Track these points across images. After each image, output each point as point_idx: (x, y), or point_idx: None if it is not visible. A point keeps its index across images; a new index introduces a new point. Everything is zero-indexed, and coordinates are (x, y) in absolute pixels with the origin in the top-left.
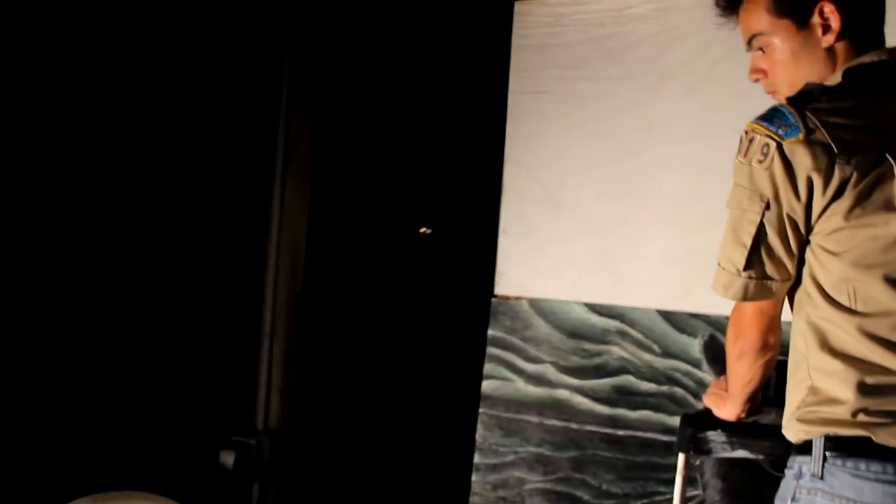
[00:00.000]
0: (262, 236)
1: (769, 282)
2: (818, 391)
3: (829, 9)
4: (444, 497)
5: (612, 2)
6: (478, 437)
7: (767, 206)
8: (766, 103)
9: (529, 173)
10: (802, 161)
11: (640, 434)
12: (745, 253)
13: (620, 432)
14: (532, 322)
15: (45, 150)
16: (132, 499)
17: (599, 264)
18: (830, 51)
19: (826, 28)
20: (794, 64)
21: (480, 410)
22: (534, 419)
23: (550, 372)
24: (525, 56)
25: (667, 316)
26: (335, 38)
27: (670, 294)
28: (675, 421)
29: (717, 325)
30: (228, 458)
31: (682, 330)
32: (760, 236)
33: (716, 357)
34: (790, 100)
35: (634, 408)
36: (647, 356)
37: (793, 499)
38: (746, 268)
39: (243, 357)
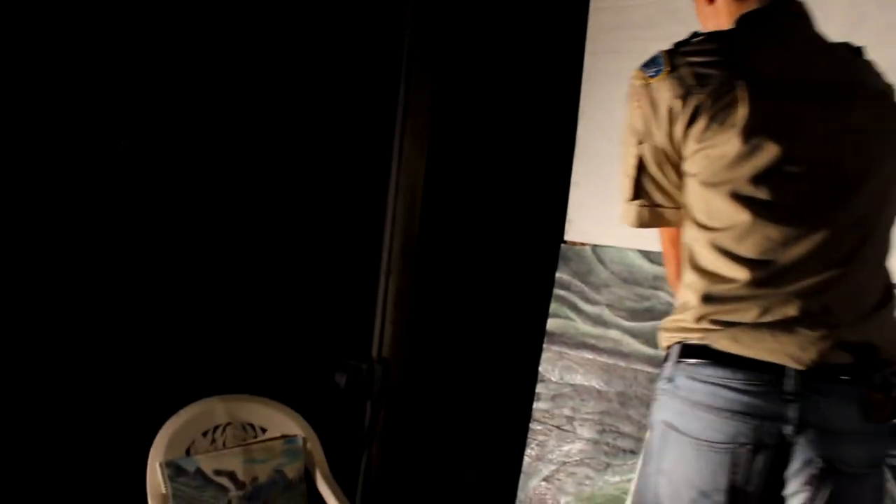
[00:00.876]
0: (383, 184)
1: (660, 209)
2: (681, 302)
3: None
4: (509, 421)
5: None
6: (541, 369)
7: (640, 141)
8: None
9: (602, 131)
10: (663, 94)
11: None
12: (632, 184)
13: None
14: (593, 267)
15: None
16: (258, 403)
17: None
18: (714, 6)
19: None
20: (702, 18)
21: (544, 345)
22: (589, 356)
23: (606, 313)
24: (601, 18)
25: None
26: (450, 10)
27: None
28: None
29: None
30: (342, 379)
31: None
32: (641, 168)
33: None
34: (670, 46)
35: None
36: None
37: (655, 400)
38: (635, 197)
39: (363, 291)
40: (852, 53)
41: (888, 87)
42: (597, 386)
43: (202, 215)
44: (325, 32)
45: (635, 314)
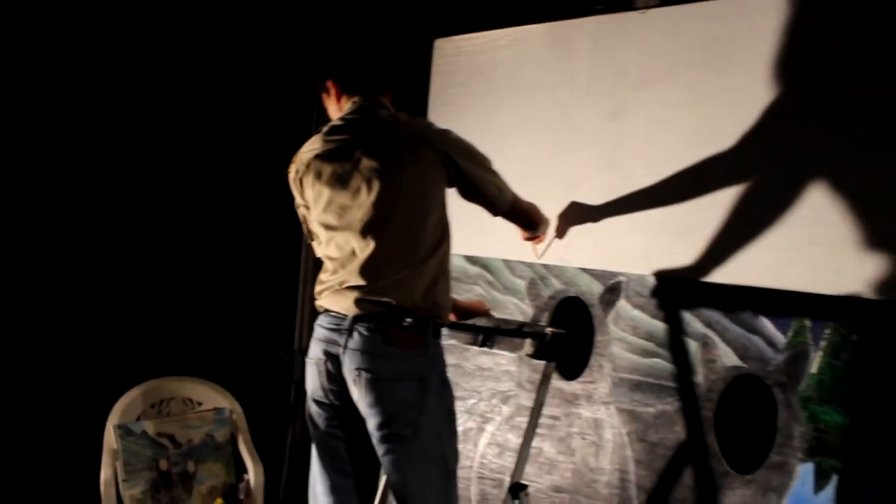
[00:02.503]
0: None
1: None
2: None
3: (329, 83)
4: None
5: (485, 36)
6: None
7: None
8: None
9: None
10: (291, 169)
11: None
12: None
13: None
14: None
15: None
16: (197, 383)
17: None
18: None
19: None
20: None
21: None
22: None
23: None
24: (439, 80)
25: (507, 263)
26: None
27: (510, 247)
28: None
29: (538, 273)
30: (268, 367)
31: (516, 274)
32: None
33: (536, 295)
34: None
35: None
36: (496, 293)
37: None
38: (310, 238)
39: (286, 294)
40: (385, 121)
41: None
42: None
43: (154, 225)
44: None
45: None
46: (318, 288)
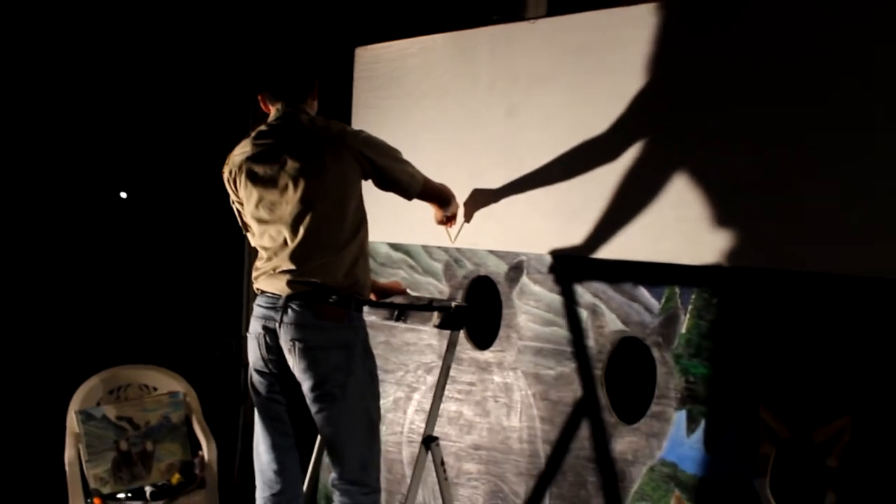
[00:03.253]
0: None
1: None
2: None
3: (260, 98)
4: None
5: (399, 45)
6: None
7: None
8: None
9: None
10: (225, 170)
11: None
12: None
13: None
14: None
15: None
16: (152, 370)
17: (400, 214)
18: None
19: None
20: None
21: None
22: None
23: None
24: (360, 84)
25: (426, 248)
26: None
27: (428, 234)
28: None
29: (453, 256)
30: (217, 352)
31: (434, 258)
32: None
33: (452, 275)
34: None
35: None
36: (417, 276)
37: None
38: (245, 230)
39: (233, 284)
40: (304, 125)
41: (312, 141)
42: None
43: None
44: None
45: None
46: (254, 273)
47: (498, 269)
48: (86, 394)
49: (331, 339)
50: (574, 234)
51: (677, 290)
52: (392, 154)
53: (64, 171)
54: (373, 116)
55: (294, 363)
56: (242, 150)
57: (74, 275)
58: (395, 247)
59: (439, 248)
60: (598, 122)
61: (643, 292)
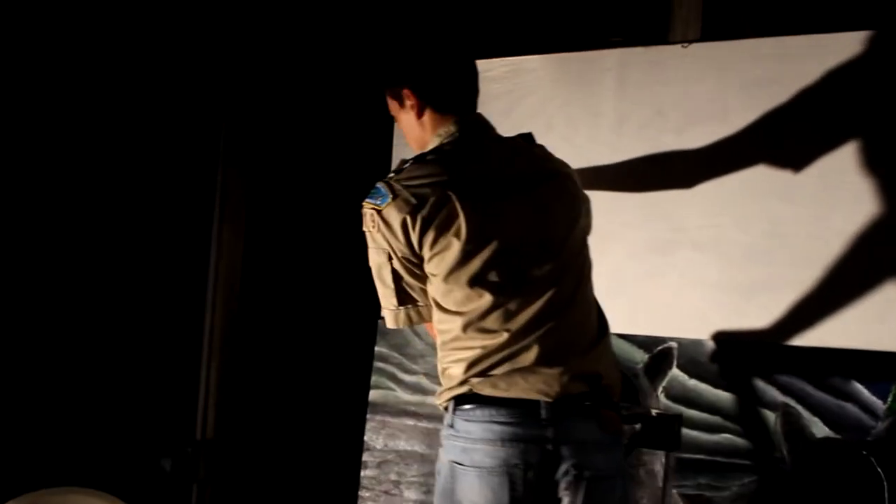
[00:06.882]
0: (202, 268)
1: (421, 307)
2: (446, 372)
3: (407, 92)
4: (338, 492)
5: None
6: (366, 438)
7: (390, 257)
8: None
9: None
10: (394, 215)
11: None
12: (394, 293)
13: None
14: (410, 339)
15: None
16: (82, 494)
17: None
18: (421, 121)
19: (412, 106)
20: (408, 132)
21: (368, 416)
22: (410, 422)
23: (424, 382)
24: None
25: None
26: (262, 100)
27: None
28: None
29: None
30: (167, 464)
31: None
32: (398, 278)
33: None
34: (386, 177)
35: None
36: None
37: (441, 447)
38: (401, 304)
39: (185, 374)
40: (527, 143)
41: (559, 163)
42: (419, 450)
43: (25, 306)
44: (143, 124)
45: None
46: (461, 375)
47: (632, 358)
48: None
49: (617, 461)
50: (751, 315)
51: None
52: None
53: None
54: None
55: (573, 499)
56: (430, 176)
57: None
58: None
59: None
60: (778, 173)
61: (859, 389)
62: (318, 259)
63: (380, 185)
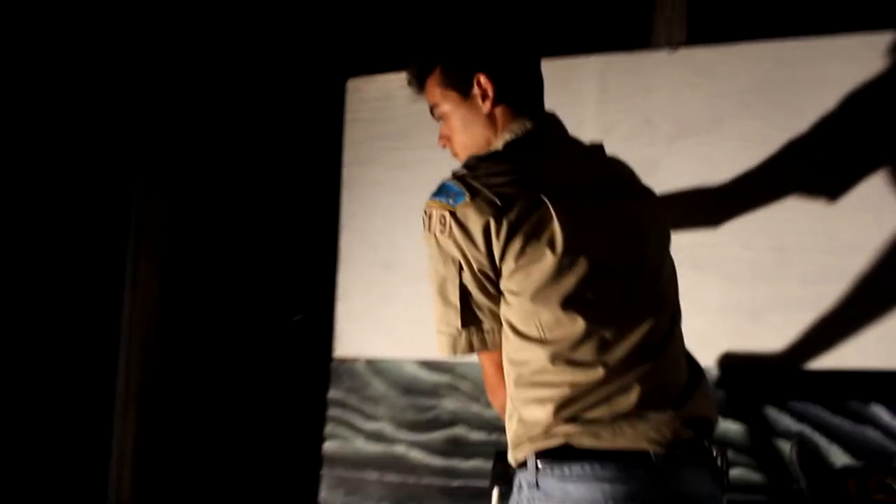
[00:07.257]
0: (115, 315)
1: (489, 333)
2: (524, 420)
3: (483, 79)
4: None
5: None
6: (321, 497)
7: (461, 268)
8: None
9: (366, 242)
10: (474, 218)
11: (473, 483)
12: (459, 312)
13: (455, 483)
14: (369, 381)
15: None
16: None
17: (429, 322)
18: (491, 116)
19: (484, 96)
20: (464, 130)
21: (322, 471)
22: (374, 476)
23: (388, 429)
24: (357, 129)
25: None
26: (180, 127)
27: None
28: None
29: None
30: None
31: None
32: (466, 295)
33: None
34: (454, 173)
35: (467, 457)
36: (475, 407)
37: None
38: (464, 325)
39: (96, 433)
40: (604, 153)
41: (645, 184)
42: None
43: None
44: (54, 159)
45: (419, 426)
46: (548, 420)
47: None
48: None
49: None
50: (759, 337)
51: None
52: None
53: None
54: (378, 173)
55: None
56: (512, 173)
57: None
58: (432, 366)
59: None
60: (781, 182)
61: (880, 412)
62: (251, 296)
63: (451, 181)
